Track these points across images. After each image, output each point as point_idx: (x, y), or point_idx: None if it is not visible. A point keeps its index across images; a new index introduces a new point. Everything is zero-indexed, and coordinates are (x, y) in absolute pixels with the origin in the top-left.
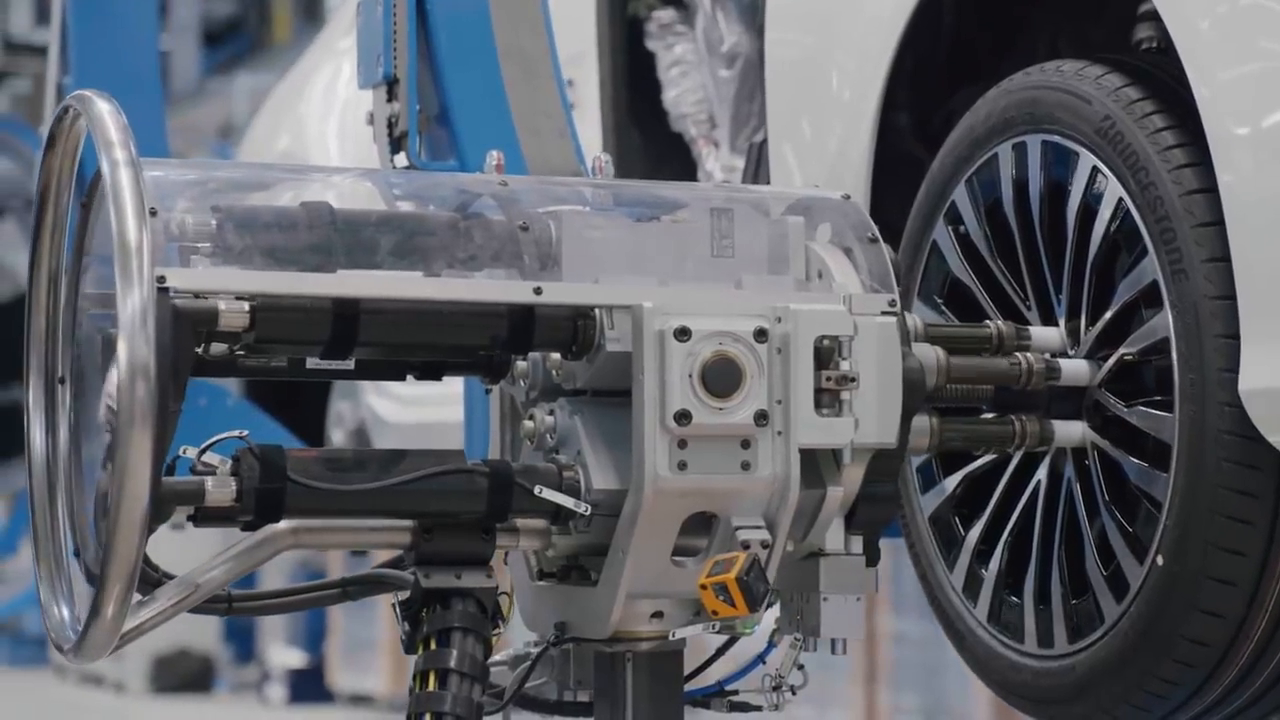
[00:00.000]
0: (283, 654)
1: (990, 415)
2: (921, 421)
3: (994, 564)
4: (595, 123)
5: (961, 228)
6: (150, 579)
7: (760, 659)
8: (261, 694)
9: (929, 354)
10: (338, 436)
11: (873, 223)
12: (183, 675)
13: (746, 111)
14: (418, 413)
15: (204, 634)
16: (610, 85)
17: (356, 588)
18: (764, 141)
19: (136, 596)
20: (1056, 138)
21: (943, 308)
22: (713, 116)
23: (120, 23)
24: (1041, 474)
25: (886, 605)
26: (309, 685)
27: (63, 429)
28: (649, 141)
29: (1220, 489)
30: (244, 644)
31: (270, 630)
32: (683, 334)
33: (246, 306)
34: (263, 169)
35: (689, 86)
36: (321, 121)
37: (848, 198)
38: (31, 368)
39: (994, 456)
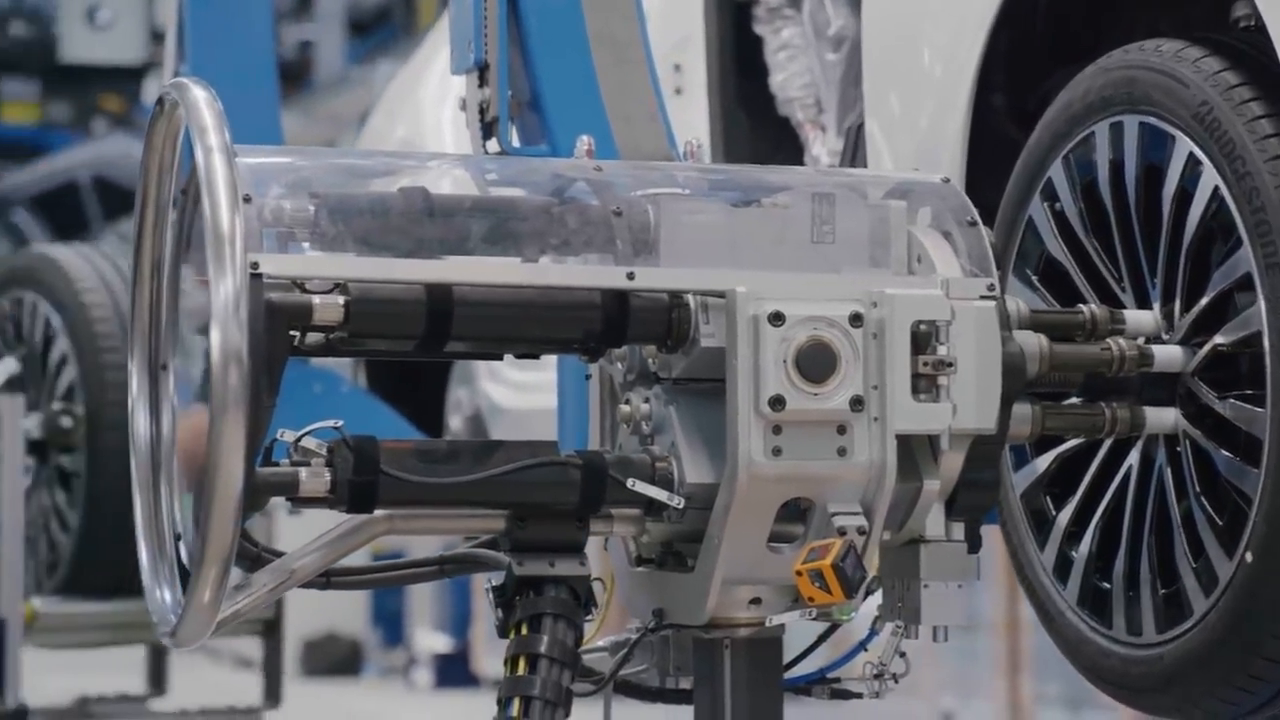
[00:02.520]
0: (429, 639)
1: (1078, 400)
2: (1023, 409)
3: (1084, 547)
4: (702, 107)
5: (1057, 205)
6: (249, 554)
7: (862, 646)
8: (408, 678)
9: (1031, 341)
10: (455, 422)
11: (972, 206)
12: (331, 659)
13: (853, 95)
14: (532, 399)
15: (352, 619)
16: (717, 70)
17: (453, 566)
18: (862, 125)
19: (242, 578)
20: (1153, 120)
21: (1037, 285)
22: (819, 100)
23: (236, 10)
24: (1133, 459)
25: None
26: (455, 670)
27: (166, 415)
28: (755, 126)
29: None
30: (392, 629)
31: (417, 615)
32: (776, 319)
33: (341, 300)
34: (359, 156)
35: (796, 70)
36: (437, 109)
37: (947, 181)
38: (135, 354)
39: (1084, 440)
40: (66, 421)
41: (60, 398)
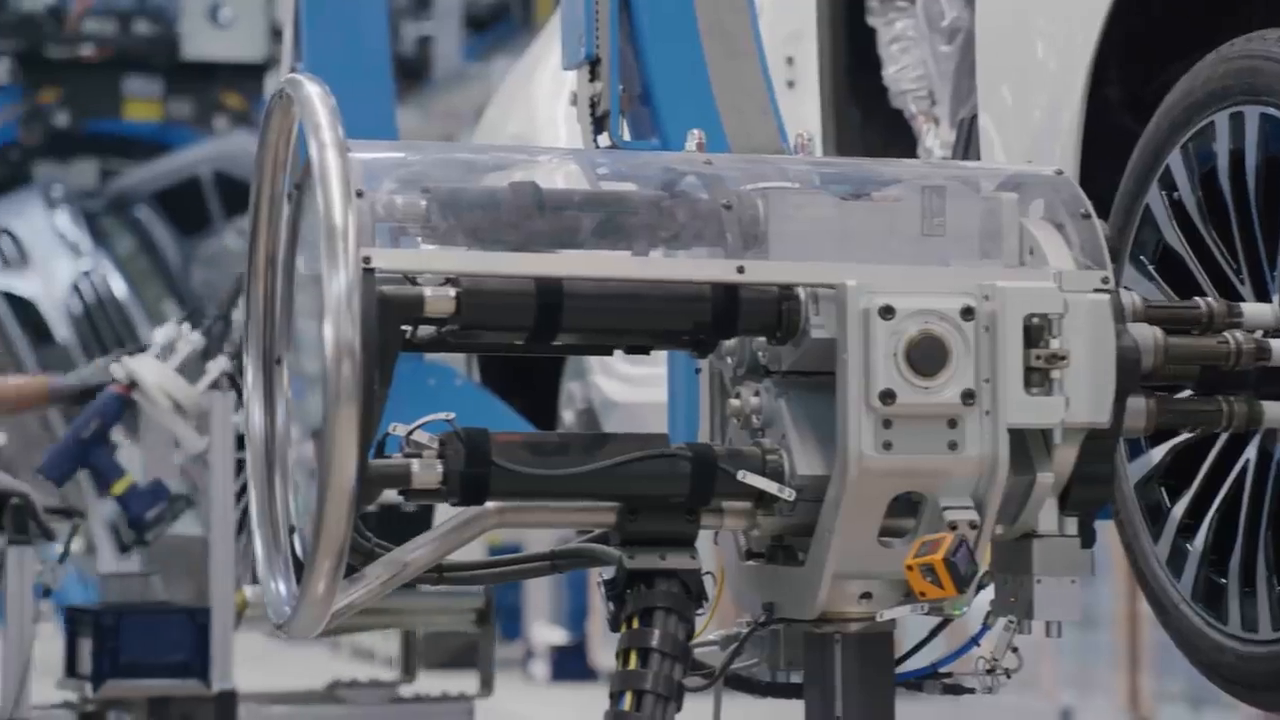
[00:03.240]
0: (547, 632)
1: (1194, 393)
2: (1137, 402)
3: (1199, 540)
4: (814, 100)
5: (1175, 195)
6: (362, 548)
7: (974, 641)
8: (526, 671)
9: (1146, 334)
10: (568, 416)
11: (1086, 198)
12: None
13: (967, 87)
14: (645, 393)
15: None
16: (829, 62)
17: (564, 560)
18: (974, 117)
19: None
20: (1275, 110)
21: (1154, 274)
22: (932, 92)
23: (351, 7)
24: (1250, 453)
25: None
26: (572, 662)
27: (280, 408)
28: (868, 119)
29: None
30: (509, 622)
31: (535, 608)
32: (887, 312)
33: (452, 293)
34: (471, 150)
35: (909, 62)
36: (550, 104)
37: (1060, 173)
38: (250, 349)
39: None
40: None
41: None
